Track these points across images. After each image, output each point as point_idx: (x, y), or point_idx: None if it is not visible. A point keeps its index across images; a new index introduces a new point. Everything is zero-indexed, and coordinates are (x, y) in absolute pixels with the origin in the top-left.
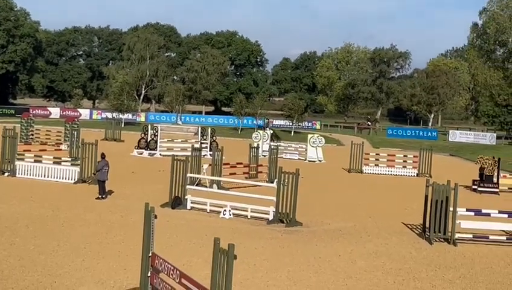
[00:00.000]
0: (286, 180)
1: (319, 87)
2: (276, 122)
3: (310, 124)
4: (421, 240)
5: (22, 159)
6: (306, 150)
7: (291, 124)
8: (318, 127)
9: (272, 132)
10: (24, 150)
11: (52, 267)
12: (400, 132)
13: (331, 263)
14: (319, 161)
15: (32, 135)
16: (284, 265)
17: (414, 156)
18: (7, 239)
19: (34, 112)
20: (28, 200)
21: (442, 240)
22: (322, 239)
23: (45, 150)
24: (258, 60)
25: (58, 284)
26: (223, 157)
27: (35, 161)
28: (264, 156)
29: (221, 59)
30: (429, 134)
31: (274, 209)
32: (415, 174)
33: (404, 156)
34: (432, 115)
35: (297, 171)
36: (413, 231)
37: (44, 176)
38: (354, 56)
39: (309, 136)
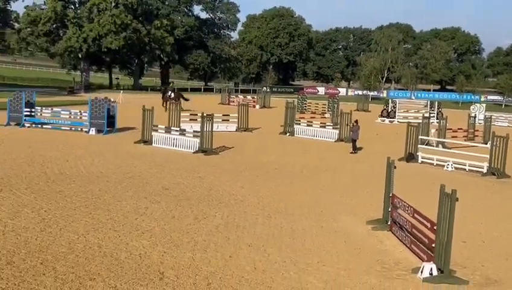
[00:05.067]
0: (498, 142)
1: None
2: (491, 97)
3: None
4: None
5: (298, 124)
6: None
7: (502, 98)
8: None
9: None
10: (300, 118)
11: (319, 200)
12: None
13: None
14: None
15: (305, 106)
16: (496, 207)
17: None
18: (286, 180)
19: (306, 90)
20: (302, 153)
21: None
22: None
23: (314, 118)
24: (476, 48)
25: (324, 212)
26: (447, 124)
27: (308, 125)
28: (480, 123)
29: (447, 49)
30: None
31: (487, 165)
32: None
33: None
34: None
35: (507, 136)
36: None
37: (313, 136)
38: None
39: None
